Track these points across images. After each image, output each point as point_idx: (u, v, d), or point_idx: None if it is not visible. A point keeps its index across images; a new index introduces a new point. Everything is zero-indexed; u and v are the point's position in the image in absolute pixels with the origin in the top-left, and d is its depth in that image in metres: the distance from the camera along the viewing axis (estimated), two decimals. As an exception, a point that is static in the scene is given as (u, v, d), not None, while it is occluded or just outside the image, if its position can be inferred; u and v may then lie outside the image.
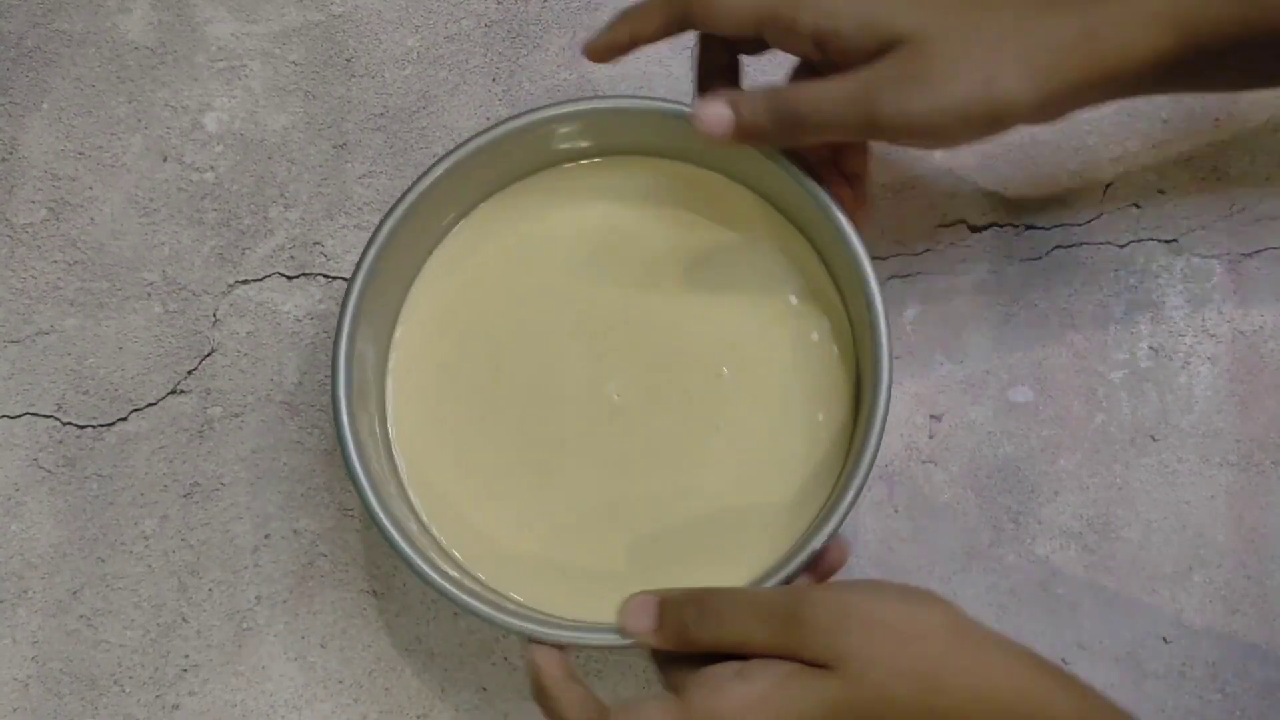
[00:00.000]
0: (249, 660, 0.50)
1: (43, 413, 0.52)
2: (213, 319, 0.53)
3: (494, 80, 0.55)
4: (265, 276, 0.53)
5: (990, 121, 0.41)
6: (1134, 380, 0.52)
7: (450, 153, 0.46)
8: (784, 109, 0.42)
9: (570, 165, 0.50)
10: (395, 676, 0.50)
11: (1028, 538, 0.51)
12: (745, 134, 0.43)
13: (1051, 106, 0.41)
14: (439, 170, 0.46)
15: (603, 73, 0.55)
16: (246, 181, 0.54)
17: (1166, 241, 0.53)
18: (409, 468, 0.48)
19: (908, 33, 0.41)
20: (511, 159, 0.48)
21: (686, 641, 0.40)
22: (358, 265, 0.45)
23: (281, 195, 0.54)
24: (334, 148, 0.54)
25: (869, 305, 0.45)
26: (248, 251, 0.54)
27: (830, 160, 0.46)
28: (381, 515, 0.44)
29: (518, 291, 0.49)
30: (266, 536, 0.51)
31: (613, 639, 0.42)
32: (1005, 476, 0.51)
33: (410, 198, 0.46)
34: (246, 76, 0.55)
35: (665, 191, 0.50)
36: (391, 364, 0.49)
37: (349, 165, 0.54)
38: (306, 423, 0.52)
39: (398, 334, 0.49)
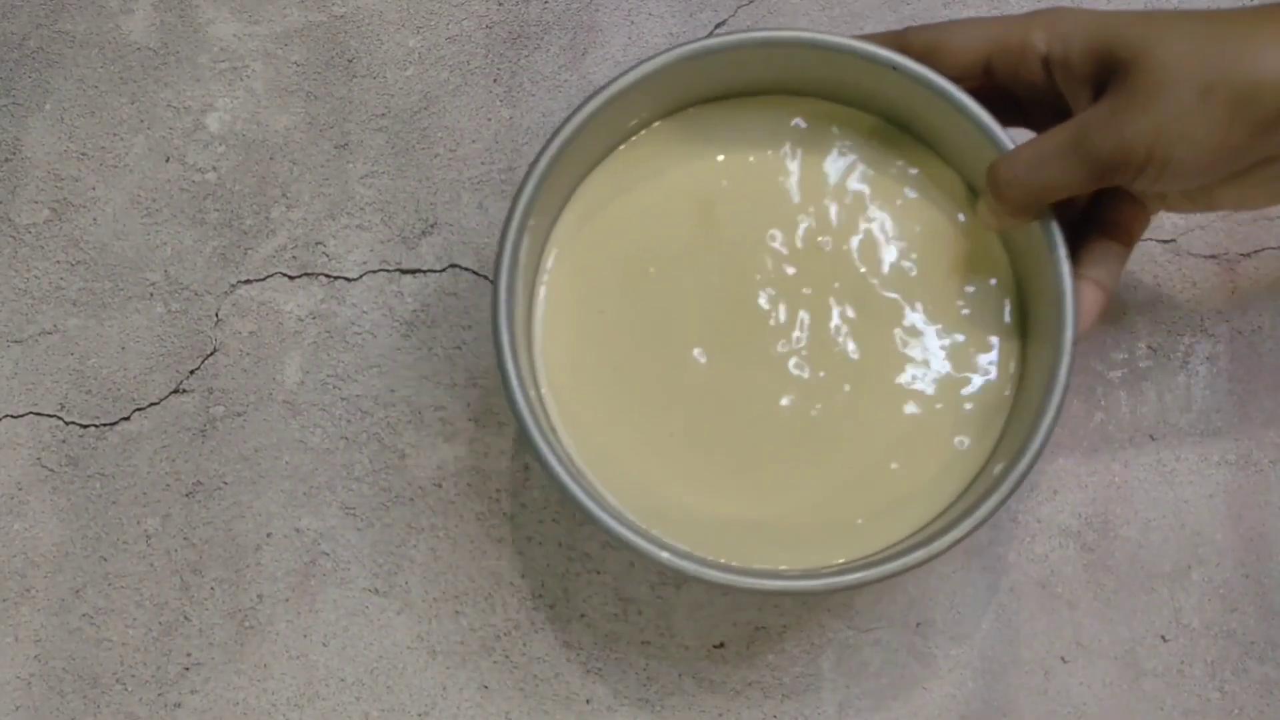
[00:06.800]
0: (251, 658, 0.50)
1: (46, 412, 0.52)
2: (215, 319, 0.53)
3: (495, 81, 0.55)
4: (267, 276, 0.54)
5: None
6: (1133, 379, 0.52)
7: (654, 56, 0.44)
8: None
9: (749, 98, 0.48)
10: (397, 675, 0.50)
11: (1027, 536, 0.51)
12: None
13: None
14: (636, 73, 0.44)
15: (604, 71, 0.55)
16: (248, 182, 0.54)
17: (1165, 242, 0.53)
18: (558, 407, 0.46)
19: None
20: (703, 79, 0.46)
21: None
22: (525, 176, 0.44)
23: (283, 195, 0.54)
24: (336, 148, 0.55)
25: (1057, 277, 0.43)
26: (250, 251, 0.54)
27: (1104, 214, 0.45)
28: (544, 449, 0.43)
29: (679, 230, 0.47)
30: (268, 535, 0.51)
31: (766, 584, 0.42)
32: (1004, 475, 0.51)
33: (599, 98, 0.44)
34: (248, 77, 0.55)
35: (864, 145, 0.48)
36: (541, 294, 0.47)
37: (351, 165, 0.55)
38: (308, 422, 0.52)
39: (549, 260, 0.47)
